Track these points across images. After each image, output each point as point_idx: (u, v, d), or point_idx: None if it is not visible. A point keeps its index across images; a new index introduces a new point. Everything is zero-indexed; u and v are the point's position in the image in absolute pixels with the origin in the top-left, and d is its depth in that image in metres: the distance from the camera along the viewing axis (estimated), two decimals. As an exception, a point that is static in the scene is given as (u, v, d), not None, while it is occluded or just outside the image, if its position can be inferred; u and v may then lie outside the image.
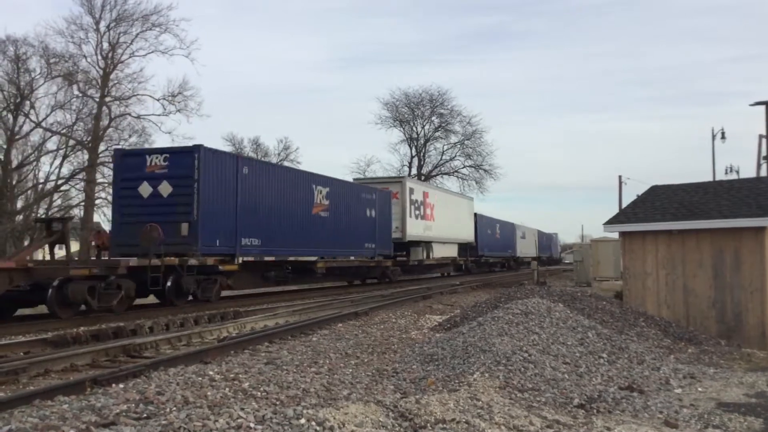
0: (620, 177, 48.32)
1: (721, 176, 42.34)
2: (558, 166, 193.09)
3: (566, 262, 75.45)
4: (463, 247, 40.53)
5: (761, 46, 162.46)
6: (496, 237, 49.30)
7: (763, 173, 33.67)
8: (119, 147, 33.41)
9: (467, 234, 40.73)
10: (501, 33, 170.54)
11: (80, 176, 39.75)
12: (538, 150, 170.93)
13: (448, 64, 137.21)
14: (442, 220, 35.75)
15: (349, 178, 37.21)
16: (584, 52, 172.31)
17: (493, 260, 49.95)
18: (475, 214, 43.44)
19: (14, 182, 39.24)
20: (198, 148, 17.16)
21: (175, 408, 5.93)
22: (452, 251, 38.56)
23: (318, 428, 5.07)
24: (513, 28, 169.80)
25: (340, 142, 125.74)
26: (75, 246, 32.62)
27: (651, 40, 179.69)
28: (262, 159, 50.61)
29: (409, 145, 63.63)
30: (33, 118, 38.57)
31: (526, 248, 61.05)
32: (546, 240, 74.00)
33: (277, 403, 6.46)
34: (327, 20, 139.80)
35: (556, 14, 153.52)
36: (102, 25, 39.91)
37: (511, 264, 56.25)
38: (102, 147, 39.40)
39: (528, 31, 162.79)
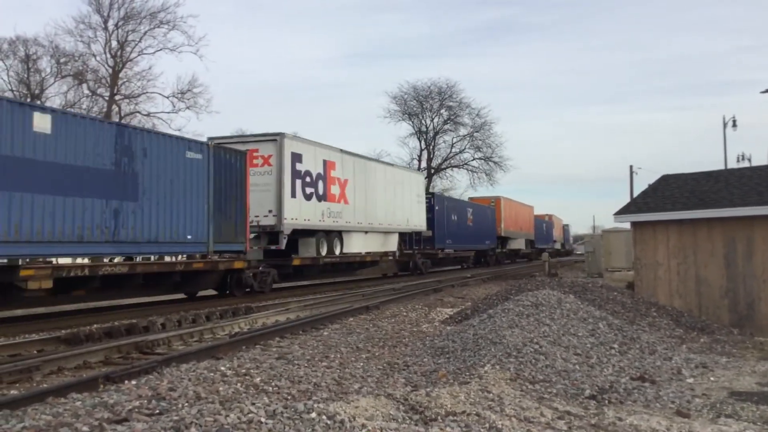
0: (631, 167, 47.96)
1: (732, 165, 41.98)
2: (570, 158, 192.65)
3: (578, 253, 75.30)
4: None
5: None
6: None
7: (775, 161, 33.38)
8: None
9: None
10: (512, 26, 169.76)
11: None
12: (551, 142, 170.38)
13: (459, 58, 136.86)
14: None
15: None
16: (597, 44, 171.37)
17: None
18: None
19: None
20: None
21: (186, 404, 5.97)
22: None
23: (329, 422, 5.08)
24: (524, 20, 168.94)
25: (351, 137, 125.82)
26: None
27: (663, 31, 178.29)
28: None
29: (419, 138, 63.61)
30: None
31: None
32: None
33: (288, 397, 6.49)
34: (338, 17, 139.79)
35: (567, 6, 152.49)
36: (110, 24, 40.27)
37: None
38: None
39: (539, 24, 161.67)
